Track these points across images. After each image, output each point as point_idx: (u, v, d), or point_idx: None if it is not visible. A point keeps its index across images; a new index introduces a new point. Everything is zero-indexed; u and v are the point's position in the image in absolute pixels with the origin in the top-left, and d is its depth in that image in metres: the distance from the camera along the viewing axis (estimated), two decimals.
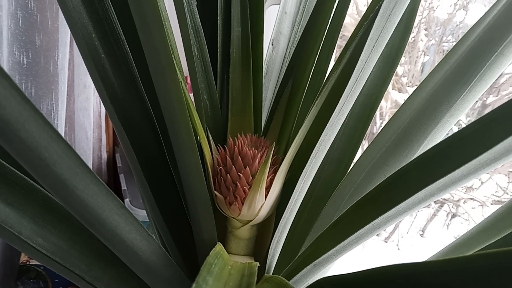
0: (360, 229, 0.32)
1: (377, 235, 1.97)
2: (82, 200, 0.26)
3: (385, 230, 1.96)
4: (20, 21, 0.89)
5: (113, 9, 0.37)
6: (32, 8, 0.90)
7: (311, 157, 0.35)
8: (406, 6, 0.33)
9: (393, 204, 0.31)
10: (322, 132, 0.34)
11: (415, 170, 0.32)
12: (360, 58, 0.32)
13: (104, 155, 1.32)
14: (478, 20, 0.45)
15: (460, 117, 0.42)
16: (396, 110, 0.47)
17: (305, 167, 0.35)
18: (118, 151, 1.36)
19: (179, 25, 0.35)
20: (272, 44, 0.55)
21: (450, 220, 1.91)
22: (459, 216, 1.86)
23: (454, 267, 0.22)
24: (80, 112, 1.15)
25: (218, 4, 0.43)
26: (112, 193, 0.29)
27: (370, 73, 0.45)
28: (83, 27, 0.35)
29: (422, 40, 1.81)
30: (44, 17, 0.92)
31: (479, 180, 1.76)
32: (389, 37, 0.35)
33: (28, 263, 0.99)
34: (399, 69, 1.86)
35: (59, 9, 0.92)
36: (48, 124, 0.22)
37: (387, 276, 0.26)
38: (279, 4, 0.56)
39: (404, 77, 1.87)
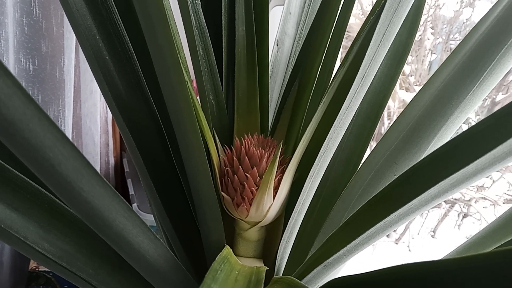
0: (371, 228, 0.31)
1: (387, 236, 1.95)
2: (88, 202, 0.26)
3: (395, 231, 1.94)
4: (26, 28, 0.89)
5: (116, 10, 0.36)
6: (37, 15, 0.90)
7: (318, 156, 0.34)
8: (413, 0, 0.32)
9: (405, 201, 0.30)
10: (329, 130, 0.34)
11: (428, 166, 0.31)
12: (366, 53, 0.31)
13: (112, 160, 1.32)
14: (486, 14, 0.44)
15: (470, 112, 0.41)
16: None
17: (313, 166, 0.34)
18: (125, 156, 1.36)
19: (184, 25, 0.35)
20: (277, 45, 0.55)
21: (461, 220, 1.89)
22: (471, 216, 1.84)
23: (471, 265, 0.22)
24: (87, 118, 1.15)
25: (222, 3, 0.42)
26: (118, 195, 0.28)
27: (378, 70, 0.45)
28: (87, 29, 0.34)
29: (428, 39, 1.80)
30: (50, 24, 0.93)
31: (491, 179, 1.74)
32: (396, 33, 0.34)
33: (37, 269, 0.99)
34: (406, 68, 1.85)
35: (64, 15, 0.93)
36: (52, 124, 0.21)
37: (401, 275, 0.26)
38: (284, 5, 0.56)
39: (411, 76, 1.85)
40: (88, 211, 0.27)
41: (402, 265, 0.25)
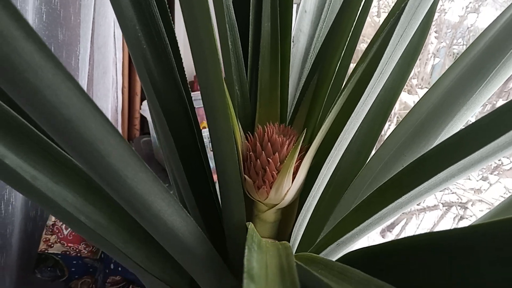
0: (383, 209, 0.34)
1: (382, 237, 1.98)
2: (132, 188, 0.28)
3: (391, 232, 1.97)
4: (44, 16, 0.91)
5: (155, 3, 0.39)
6: (55, 3, 0.93)
7: (335, 145, 0.37)
8: (430, 4, 0.35)
9: (415, 185, 0.33)
10: (346, 122, 0.37)
11: (436, 154, 0.34)
12: (385, 52, 0.34)
13: None
14: (494, 20, 0.47)
15: (476, 110, 0.44)
16: (405, 112, 0.50)
17: (330, 154, 0.37)
18: (133, 145, 1.39)
19: (216, 19, 0.38)
20: (292, 41, 0.58)
21: (457, 223, 1.92)
22: (467, 218, 1.87)
23: (484, 232, 0.24)
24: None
25: (251, 0, 0.45)
26: (157, 179, 0.30)
27: None
28: (129, 19, 0.37)
29: (432, 43, 1.83)
30: (67, 13, 0.95)
31: (488, 182, 1.78)
32: (412, 34, 0.37)
33: (46, 251, 1.01)
34: None
35: (82, 4, 0.95)
36: (105, 119, 0.24)
37: (414, 245, 0.29)
38: (298, 3, 0.59)
39: (414, 79, 1.88)
40: (130, 196, 0.29)
41: (416, 235, 0.28)
